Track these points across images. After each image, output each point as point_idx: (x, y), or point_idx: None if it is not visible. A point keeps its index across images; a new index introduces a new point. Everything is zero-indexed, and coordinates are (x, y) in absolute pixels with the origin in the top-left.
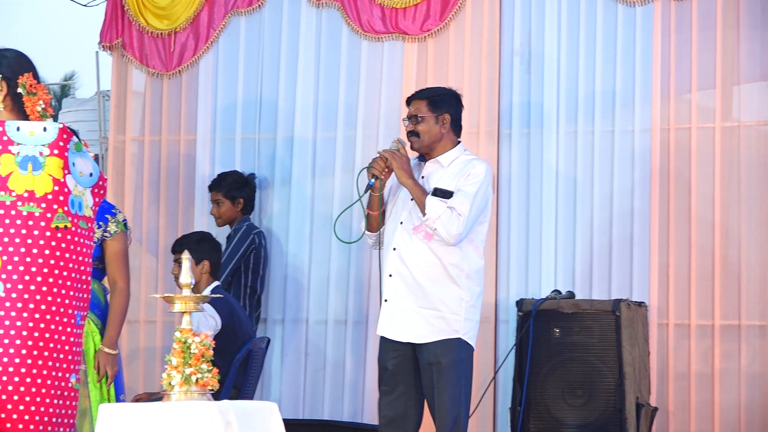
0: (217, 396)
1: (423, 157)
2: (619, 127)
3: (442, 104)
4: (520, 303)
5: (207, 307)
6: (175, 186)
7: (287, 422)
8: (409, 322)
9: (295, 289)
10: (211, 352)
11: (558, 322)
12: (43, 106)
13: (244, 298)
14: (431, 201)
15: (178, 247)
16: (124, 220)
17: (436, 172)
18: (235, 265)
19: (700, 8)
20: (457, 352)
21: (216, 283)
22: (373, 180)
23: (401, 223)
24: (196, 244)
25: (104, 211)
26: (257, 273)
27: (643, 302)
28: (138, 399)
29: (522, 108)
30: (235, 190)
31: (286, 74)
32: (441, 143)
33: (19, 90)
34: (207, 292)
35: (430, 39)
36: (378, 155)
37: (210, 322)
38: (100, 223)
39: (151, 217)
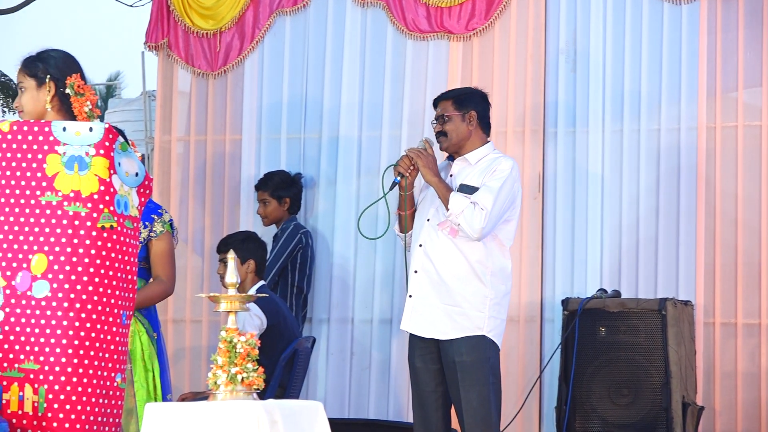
0: (262, 395)
1: (452, 157)
2: (665, 125)
3: (467, 102)
4: (565, 302)
5: (252, 306)
6: (220, 186)
7: (333, 421)
8: (432, 317)
9: (341, 288)
10: (257, 352)
11: (604, 321)
12: (90, 106)
13: (290, 297)
14: (455, 196)
15: (223, 247)
16: (170, 220)
17: (463, 170)
18: (282, 264)
19: (746, 6)
20: (482, 350)
21: (261, 283)
22: (398, 178)
23: (428, 220)
24: (241, 243)
25: (151, 211)
26: (304, 272)
27: (689, 301)
28: (184, 398)
29: (567, 106)
30: (282, 189)
31: (331, 74)
32: (470, 141)
33: (67, 91)
34: (252, 291)
35: (475, 38)
36: (404, 154)
37: (255, 321)
38: (146, 223)
39: (196, 216)
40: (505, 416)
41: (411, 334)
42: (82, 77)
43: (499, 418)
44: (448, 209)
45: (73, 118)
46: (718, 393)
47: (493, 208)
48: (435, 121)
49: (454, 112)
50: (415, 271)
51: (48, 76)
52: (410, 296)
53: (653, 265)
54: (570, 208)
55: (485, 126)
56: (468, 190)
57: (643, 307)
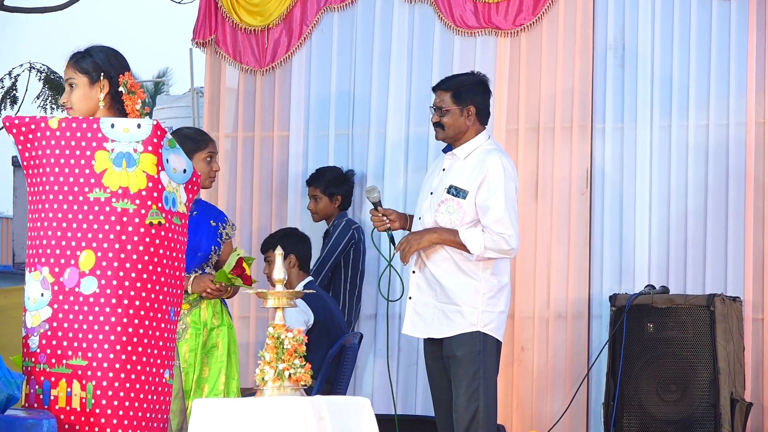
0: (309, 391)
1: (450, 147)
2: (714, 120)
3: (466, 96)
4: (613, 298)
5: (299, 302)
6: (268, 182)
7: (379, 417)
8: (430, 318)
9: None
10: (304, 348)
11: (652, 317)
12: (141, 104)
13: (344, 293)
14: (467, 237)
15: (264, 247)
16: (233, 224)
17: (453, 165)
18: (335, 261)
19: None
20: (473, 344)
21: (308, 279)
22: (390, 234)
23: (420, 218)
24: (279, 240)
25: (220, 217)
26: (357, 268)
27: (737, 297)
28: None
29: (615, 102)
30: (334, 186)
31: (379, 70)
32: (466, 134)
33: (120, 89)
34: (299, 287)
35: (522, 34)
36: (371, 215)
37: (302, 317)
38: (222, 224)
39: (244, 213)
40: (553, 413)
41: None
42: (132, 74)
43: (494, 411)
44: (470, 253)
45: (123, 115)
46: (767, 389)
47: (511, 224)
48: (432, 110)
49: (452, 106)
50: (413, 272)
51: (102, 74)
52: (410, 298)
53: (701, 261)
54: (618, 203)
55: (483, 117)
56: (456, 192)
57: (692, 303)
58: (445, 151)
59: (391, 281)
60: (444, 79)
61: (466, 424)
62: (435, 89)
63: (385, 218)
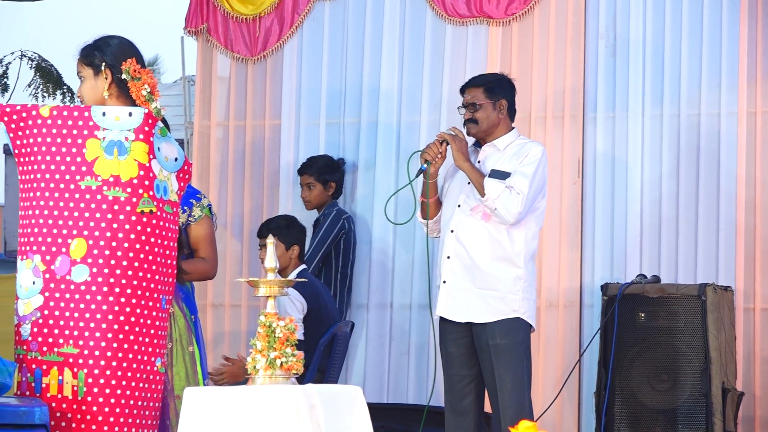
0: (301, 380)
1: (479, 143)
2: (705, 110)
3: (498, 90)
4: (605, 287)
5: (291, 291)
6: (259, 170)
7: (371, 406)
8: (467, 302)
9: (380, 273)
10: (296, 336)
11: (643, 307)
12: (149, 90)
13: (335, 283)
14: (489, 182)
15: (264, 232)
16: (209, 204)
17: (492, 156)
18: (326, 250)
19: None
20: (516, 332)
21: (302, 267)
22: (425, 165)
23: (459, 206)
24: (285, 229)
25: (189, 195)
26: (347, 258)
27: (729, 286)
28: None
29: (607, 91)
30: (327, 173)
31: (370, 59)
32: (498, 129)
33: (123, 76)
34: (293, 276)
35: (514, 23)
36: (434, 140)
37: (297, 305)
38: (185, 207)
39: (236, 201)
40: (544, 401)
41: (442, 319)
42: (140, 61)
43: (531, 401)
44: (483, 194)
45: (133, 103)
46: (758, 378)
47: (529, 192)
48: (464, 108)
49: (485, 101)
50: (448, 257)
51: (104, 64)
52: (444, 282)
53: (693, 250)
54: (609, 193)
55: (512, 113)
56: (500, 175)
57: (683, 292)
58: (477, 145)
59: (414, 214)
60: (473, 78)
61: (513, 412)
62: (465, 88)
63: (439, 155)
